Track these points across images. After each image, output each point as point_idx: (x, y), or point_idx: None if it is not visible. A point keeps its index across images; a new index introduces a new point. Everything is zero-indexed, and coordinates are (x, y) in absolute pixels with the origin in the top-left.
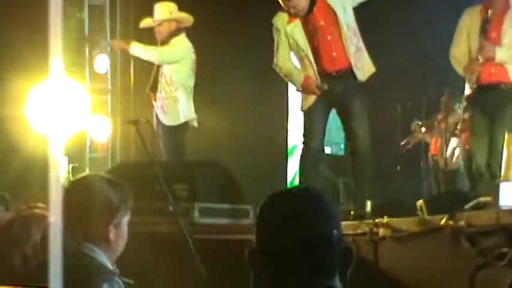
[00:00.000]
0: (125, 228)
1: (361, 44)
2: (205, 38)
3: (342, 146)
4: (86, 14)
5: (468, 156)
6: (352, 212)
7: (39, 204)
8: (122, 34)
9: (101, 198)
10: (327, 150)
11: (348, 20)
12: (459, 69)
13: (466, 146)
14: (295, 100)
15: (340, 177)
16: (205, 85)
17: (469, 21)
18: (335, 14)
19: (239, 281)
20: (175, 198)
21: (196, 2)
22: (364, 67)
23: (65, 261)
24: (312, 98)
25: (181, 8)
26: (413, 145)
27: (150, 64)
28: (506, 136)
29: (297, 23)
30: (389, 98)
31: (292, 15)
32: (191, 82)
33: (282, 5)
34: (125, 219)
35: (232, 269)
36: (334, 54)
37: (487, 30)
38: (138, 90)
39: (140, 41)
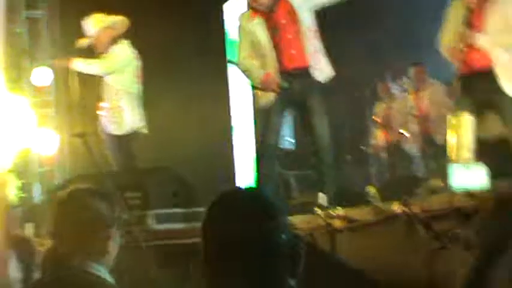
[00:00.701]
0: (118, 238)
1: (320, 47)
2: (149, 42)
3: (292, 140)
4: (24, 28)
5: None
6: (317, 207)
7: None
8: (62, 45)
9: (98, 214)
10: None
11: (308, 21)
12: (448, 58)
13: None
14: (238, 99)
15: (291, 170)
16: (152, 90)
17: (455, 11)
18: (296, 14)
19: (198, 285)
20: (129, 206)
21: (130, 7)
22: (322, 69)
23: (72, 283)
24: (270, 95)
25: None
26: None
27: (93, 74)
28: (452, 120)
29: (259, 20)
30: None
31: (254, 12)
32: (136, 89)
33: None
34: (118, 230)
35: (191, 272)
36: (293, 52)
37: (470, 19)
38: (82, 100)
39: (82, 51)
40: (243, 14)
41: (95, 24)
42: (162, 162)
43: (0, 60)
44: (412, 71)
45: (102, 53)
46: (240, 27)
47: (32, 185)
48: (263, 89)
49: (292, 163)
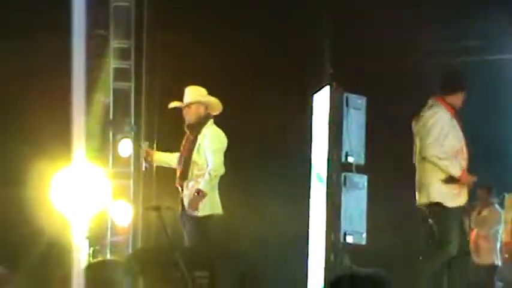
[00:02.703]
0: None
1: None
2: (233, 126)
3: (364, 235)
4: (111, 98)
5: None
6: None
7: None
8: (146, 118)
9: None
10: (349, 239)
11: None
12: None
13: None
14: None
15: (362, 267)
16: (232, 172)
17: None
18: None
19: None
20: (196, 285)
21: (224, 89)
22: None
23: None
24: None
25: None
26: None
27: (171, 148)
28: None
29: None
30: None
31: None
32: (222, 171)
33: None
34: None
35: None
36: None
37: None
38: (161, 174)
39: (165, 123)
40: None
41: (194, 95)
42: (235, 245)
43: (81, 130)
44: (479, 192)
45: (189, 126)
46: None
47: (103, 254)
48: None
49: (363, 259)
